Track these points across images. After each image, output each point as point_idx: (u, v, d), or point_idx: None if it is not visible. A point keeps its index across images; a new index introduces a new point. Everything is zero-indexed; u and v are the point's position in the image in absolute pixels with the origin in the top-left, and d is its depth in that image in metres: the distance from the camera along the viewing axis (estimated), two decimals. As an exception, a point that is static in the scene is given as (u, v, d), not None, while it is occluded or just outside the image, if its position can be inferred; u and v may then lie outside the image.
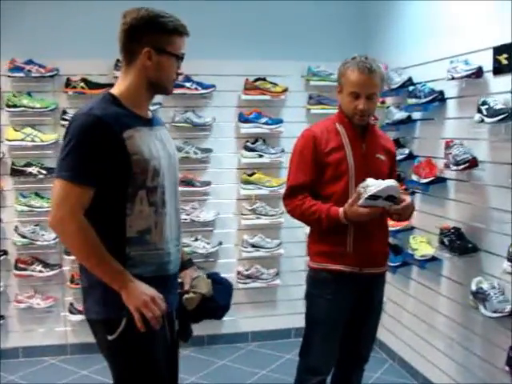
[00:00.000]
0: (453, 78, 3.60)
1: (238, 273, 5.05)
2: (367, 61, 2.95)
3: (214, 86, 4.88)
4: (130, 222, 2.22)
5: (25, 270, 4.71)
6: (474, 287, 3.40)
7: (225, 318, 4.84)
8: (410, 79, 4.22)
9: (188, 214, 4.85)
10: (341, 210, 2.90)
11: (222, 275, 2.74)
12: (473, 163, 3.42)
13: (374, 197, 2.76)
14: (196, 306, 2.46)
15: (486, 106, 3.26)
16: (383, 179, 3.07)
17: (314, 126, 3.16)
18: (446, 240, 3.67)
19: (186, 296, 2.47)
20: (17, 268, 4.72)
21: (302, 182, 3.03)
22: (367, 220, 2.85)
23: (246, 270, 5.05)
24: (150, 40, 2.23)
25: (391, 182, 2.79)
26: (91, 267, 2.18)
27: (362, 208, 2.79)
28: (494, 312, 3.20)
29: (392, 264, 4.19)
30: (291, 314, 4.96)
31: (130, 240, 2.23)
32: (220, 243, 5.01)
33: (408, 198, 2.94)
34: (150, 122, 2.35)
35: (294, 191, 3.04)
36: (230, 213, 5.11)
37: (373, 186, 2.76)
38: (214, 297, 2.52)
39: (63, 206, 2.11)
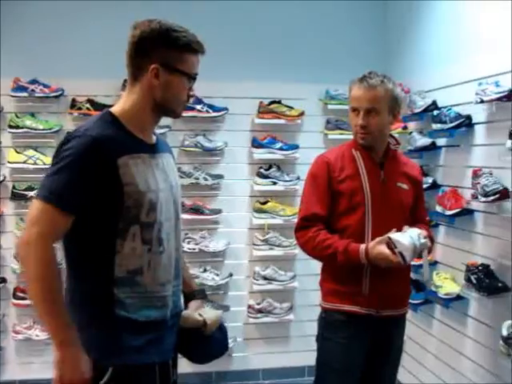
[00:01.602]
0: (482, 102, 3.35)
1: (249, 306, 4.82)
2: (370, 75, 2.75)
3: (226, 108, 4.69)
4: (120, 261, 1.97)
5: (24, 298, 4.46)
6: (505, 332, 3.09)
7: (234, 354, 4.75)
8: (434, 103, 3.98)
9: (197, 244, 4.64)
10: (362, 246, 2.62)
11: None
12: (504, 194, 3.15)
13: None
14: (193, 329, 2.19)
15: (520, 132, 3.00)
16: (406, 211, 2.82)
17: (329, 152, 2.92)
18: (473, 278, 3.39)
19: (186, 312, 2.22)
20: (15, 297, 4.50)
21: (315, 212, 2.77)
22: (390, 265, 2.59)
23: (258, 304, 4.81)
24: (159, 55, 2.00)
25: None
26: (37, 303, 1.89)
27: (389, 250, 2.54)
28: (529, 361, 2.90)
29: (413, 301, 3.90)
30: (305, 350, 4.61)
31: (118, 280, 1.98)
32: (230, 275, 4.77)
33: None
34: (152, 148, 2.12)
35: (307, 222, 2.78)
36: (242, 243, 4.87)
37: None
38: (221, 327, 2.29)
39: (34, 229, 1.85)
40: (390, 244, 2.56)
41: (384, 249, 2.57)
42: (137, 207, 1.97)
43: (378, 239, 2.61)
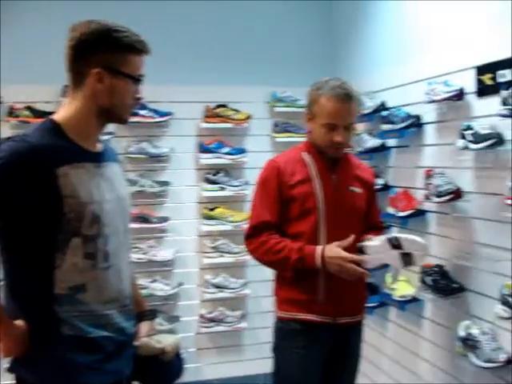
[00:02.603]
0: (431, 101, 3.32)
1: (201, 316, 4.70)
2: (344, 86, 2.62)
3: (171, 113, 4.58)
4: (60, 276, 1.82)
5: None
6: (462, 332, 3.07)
7: (187, 365, 4.58)
8: (383, 104, 3.95)
9: (144, 253, 4.50)
10: (319, 248, 2.53)
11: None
12: (457, 194, 3.12)
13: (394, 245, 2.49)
14: (150, 356, 2.07)
15: (471, 131, 2.97)
16: (360, 215, 2.77)
17: (279, 157, 2.83)
18: (428, 279, 3.36)
19: (143, 340, 2.09)
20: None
21: (266, 220, 2.68)
22: (347, 274, 2.52)
23: (209, 313, 4.70)
24: (101, 58, 1.87)
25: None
26: None
27: (346, 253, 2.47)
28: (487, 362, 2.86)
29: (368, 304, 3.82)
30: (259, 358, 4.55)
31: (58, 298, 1.83)
32: (180, 284, 4.64)
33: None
34: (97, 157, 1.97)
35: (257, 230, 2.69)
36: (191, 251, 4.77)
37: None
38: (178, 355, 2.18)
39: None
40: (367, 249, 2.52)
41: (341, 251, 2.50)
42: (78, 219, 1.83)
43: (337, 243, 2.53)
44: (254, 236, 2.70)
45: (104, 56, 1.88)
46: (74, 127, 1.91)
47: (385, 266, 2.65)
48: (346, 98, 2.59)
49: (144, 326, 2.18)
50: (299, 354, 2.68)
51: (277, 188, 2.68)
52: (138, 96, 2.00)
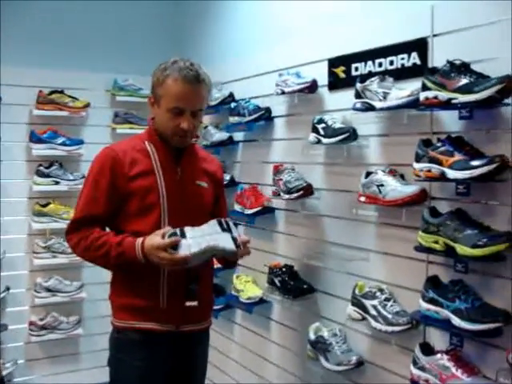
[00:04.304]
0: (283, 93, 3.22)
1: (31, 323, 4.38)
2: (193, 67, 2.37)
3: (-1, 97, 4.19)
4: None
5: None
6: (312, 335, 3.00)
7: (16, 380, 4.26)
8: (231, 95, 3.81)
9: (-35, 255, 4.07)
10: (139, 240, 2.26)
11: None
12: (307, 191, 3.03)
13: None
14: None
15: (323, 125, 2.90)
16: (206, 211, 2.52)
17: (117, 144, 2.51)
18: (276, 280, 3.26)
19: None
20: None
21: (92, 213, 2.38)
22: (166, 263, 2.25)
23: (41, 320, 4.38)
24: None
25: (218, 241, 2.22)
26: None
27: (160, 240, 2.21)
28: (338, 365, 2.79)
29: (214, 307, 3.64)
30: (97, 367, 4.29)
31: None
32: (7, 288, 4.28)
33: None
34: None
35: (79, 225, 2.39)
36: (20, 251, 4.44)
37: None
38: None
39: None
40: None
41: (156, 239, 2.23)
42: None
43: (160, 230, 2.26)
44: (74, 231, 2.40)
45: None
46: None
47: (211, 254, 2.39)
48: (195, 80, 2.35)
49: None
50: (139, 367, 2.41)
51: (110, 180, 2.38)
52: None
